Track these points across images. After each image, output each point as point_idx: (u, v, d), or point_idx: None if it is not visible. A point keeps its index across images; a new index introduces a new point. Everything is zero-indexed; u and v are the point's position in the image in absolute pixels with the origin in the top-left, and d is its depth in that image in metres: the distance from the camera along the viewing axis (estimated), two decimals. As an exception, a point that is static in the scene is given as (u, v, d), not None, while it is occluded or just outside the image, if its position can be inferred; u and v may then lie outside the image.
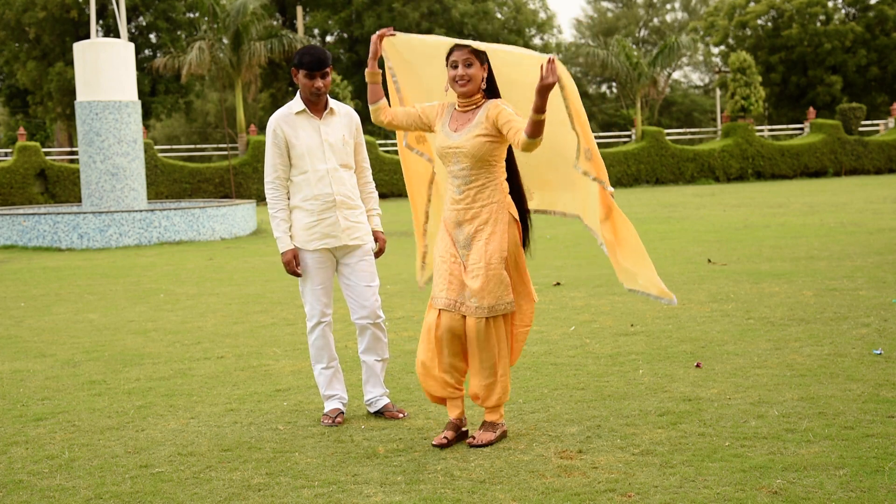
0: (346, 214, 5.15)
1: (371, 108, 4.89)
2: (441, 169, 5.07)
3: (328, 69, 5.08)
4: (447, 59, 4.64)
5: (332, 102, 5.18)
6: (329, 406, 5.20)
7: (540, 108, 4.28)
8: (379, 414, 5.21)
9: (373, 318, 5.17)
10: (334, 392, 5.22)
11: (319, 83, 5.06)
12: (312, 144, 5.09)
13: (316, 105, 5.14)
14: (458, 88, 4.61)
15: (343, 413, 5.18)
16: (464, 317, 4.61)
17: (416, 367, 4.83)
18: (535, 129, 4.34)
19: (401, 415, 5.16)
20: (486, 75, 4.63)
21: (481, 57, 4.60)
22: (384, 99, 4.88)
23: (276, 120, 5.12)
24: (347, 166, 5.20)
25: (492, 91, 4.69)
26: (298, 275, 5.15)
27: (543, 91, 4.25)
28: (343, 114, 5.23)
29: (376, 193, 5.42)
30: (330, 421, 5.08)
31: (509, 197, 4.71)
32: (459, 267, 4.64)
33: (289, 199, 5.16)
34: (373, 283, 5.20)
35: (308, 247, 5.13)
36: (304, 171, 5.10)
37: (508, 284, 4.61)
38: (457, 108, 4.72)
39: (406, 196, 33.32)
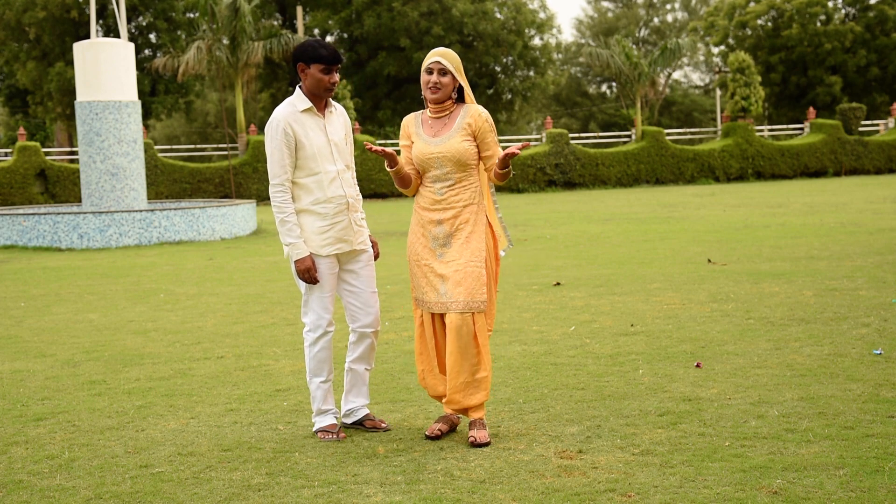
0: (355, 218, 4.94)
1: (407, 192, 4.97)
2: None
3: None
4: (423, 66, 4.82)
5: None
6: (326, 421, 4.94)
7: (504, 166, 4.71)
8: (359, 424, 5.00)
9: (374, 327, 5.02)
10: (330, 407, 4.98)
11: (335, 78, 4.85)
12: (321, 144, 4.84)
13: (320, 102, 4.89)
14: (430, 95, 4.78)
15: (341, 427, 5.02)
16: (442, 315, 4.75)
17: (417, 370, 4.95)
18: (502, 178, 4.80)
19: (383, 425, 4.97)
20: (456, 86, 4.82)
21: (453, 72, 4.78)
22: (411, 178, 4.89)
23: (283, 119, 4.79)
24: (349, 167, 4.99)
25: (461, 99, 4.89)
26: (317, 281, 4.86)
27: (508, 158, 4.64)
28: (339, 112, 5.02)
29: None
30: (333, 436, 4.85)
31: (489, 202, 4.91)
32: (431, 270, 4.76)
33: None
34: (376, 289, 5.05)
35: (321, 252, 4.85)
36: (315, 172, 4.82)
37: (484, 284, 4.73)
38: (429, 114, 4.86)
39: (405, 196, 33.05)
